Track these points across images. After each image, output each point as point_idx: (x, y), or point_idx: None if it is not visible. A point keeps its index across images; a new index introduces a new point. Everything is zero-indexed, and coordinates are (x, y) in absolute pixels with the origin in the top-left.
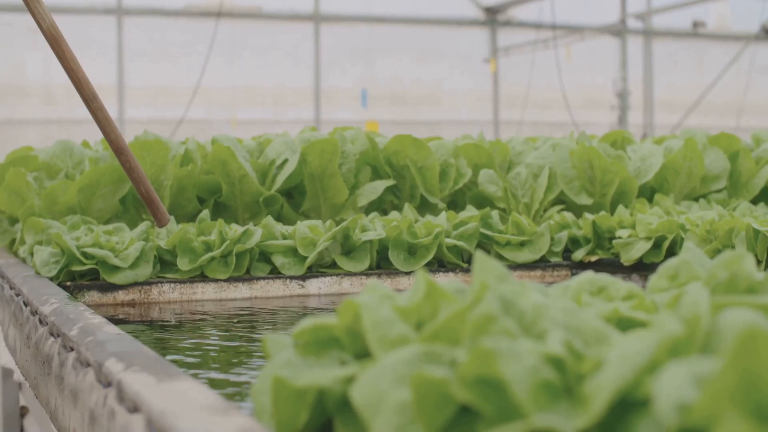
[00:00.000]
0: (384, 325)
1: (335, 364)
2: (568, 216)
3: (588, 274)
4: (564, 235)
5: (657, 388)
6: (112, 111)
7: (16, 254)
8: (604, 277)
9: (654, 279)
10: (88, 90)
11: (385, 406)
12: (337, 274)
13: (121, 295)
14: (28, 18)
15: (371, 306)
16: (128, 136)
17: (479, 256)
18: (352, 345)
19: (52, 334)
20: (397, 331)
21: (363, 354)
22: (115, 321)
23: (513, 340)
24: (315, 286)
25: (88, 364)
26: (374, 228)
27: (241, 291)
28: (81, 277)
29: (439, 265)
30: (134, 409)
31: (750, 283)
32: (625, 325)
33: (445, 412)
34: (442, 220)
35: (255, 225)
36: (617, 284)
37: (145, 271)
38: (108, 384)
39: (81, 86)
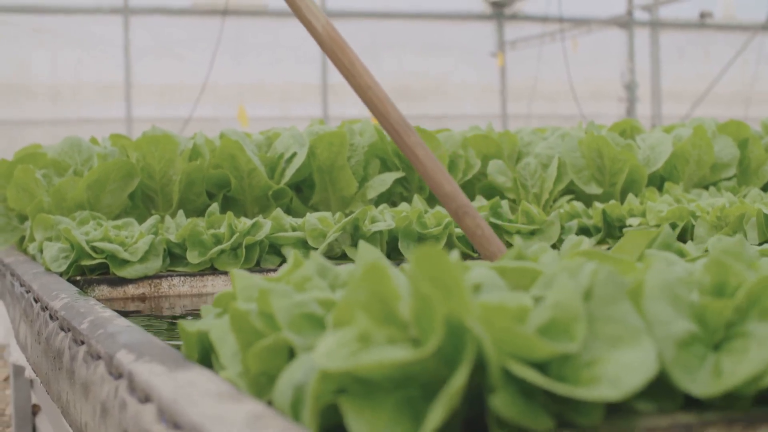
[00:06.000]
0: (248, 290)
1: None
2: (578, 205)
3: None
4: (574, 224)
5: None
6: (119, 110)
7: (25, 251)
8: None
9: None
10: (396, 116)
11: (226, 340)
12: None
13: (131, 289)
14: (34, 18)
15: (241, 276)
16: (136, 134)
17: (362, 245)
18: None
19: (62, 329)
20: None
21: None
22: (126, 315)
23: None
24: None
25: (99, 357)
26: (384, 219)
27: None
28: (91, 272)
29: None
30: (145, 399)
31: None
32: None
33: (252, 336)
34: None
35: (264, 218)
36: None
37: (155, 264)
38: (119, 375)
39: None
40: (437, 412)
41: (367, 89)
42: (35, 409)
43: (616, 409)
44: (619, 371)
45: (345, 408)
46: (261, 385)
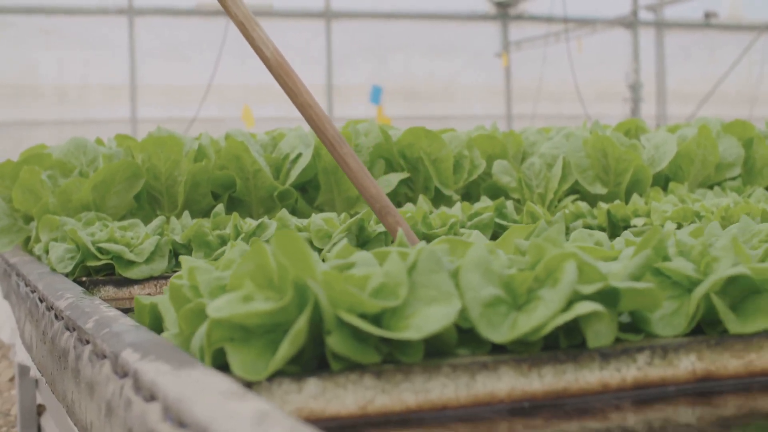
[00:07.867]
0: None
1: None
2: (583, 205)
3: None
4: (579, 225)
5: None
6: (125, 111)
7: (31, 252)
8: None
9: None
10: (332, 131)
11: (169, 309)
12: None
13: (137, 290)
14: (41, 19)
15: (186, 260)
16: (141, 135)
17: (278, 233)
18: None
19: (68, 328)
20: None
21: None
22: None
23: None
24: None
25: (104, 356)
26: None
27: None
28: (96, 273)
29: None
30: (151, 397)
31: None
32: None
33: (184, 304)
34: (457, 211)
35: (270, 219)
36: None
37: (161, 265)
38: (124, 374)
39: (316, 124)
40: (285, 348)
41: (308, 107)
42: (40, 409)
43: (439, 353)
44: (424, 321)
45: (227, 349)
46: (189, 342)
